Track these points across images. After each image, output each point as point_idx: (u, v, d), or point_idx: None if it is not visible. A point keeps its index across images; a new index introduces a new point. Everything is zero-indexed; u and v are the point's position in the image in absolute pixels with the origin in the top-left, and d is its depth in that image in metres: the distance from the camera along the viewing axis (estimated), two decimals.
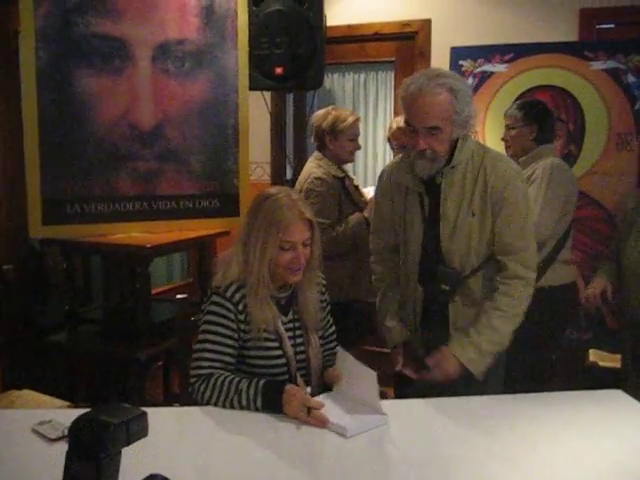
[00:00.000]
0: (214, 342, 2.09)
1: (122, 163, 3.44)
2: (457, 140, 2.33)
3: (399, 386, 2.84)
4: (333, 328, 2.38)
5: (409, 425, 2.00)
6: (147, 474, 1.34)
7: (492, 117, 3.95)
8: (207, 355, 2.09)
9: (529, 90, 3.96)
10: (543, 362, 3.13)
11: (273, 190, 2.18)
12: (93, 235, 3.39)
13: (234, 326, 2.11)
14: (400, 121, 3.52)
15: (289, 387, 2.00)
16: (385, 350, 2.82)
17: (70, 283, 3.58)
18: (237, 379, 2.04)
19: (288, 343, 2.17)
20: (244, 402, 2.00)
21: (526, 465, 1.75)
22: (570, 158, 3.91)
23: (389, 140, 3.62)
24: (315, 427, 1.91)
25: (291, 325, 2.22)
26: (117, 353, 3.31)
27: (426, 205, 2.39)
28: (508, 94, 3.89)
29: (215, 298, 2.12)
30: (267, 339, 2.13)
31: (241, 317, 2.11)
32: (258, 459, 1.75)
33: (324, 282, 2.31)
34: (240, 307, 2.11)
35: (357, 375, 2.10)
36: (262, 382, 2.01)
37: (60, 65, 3.26)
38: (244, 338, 2.13)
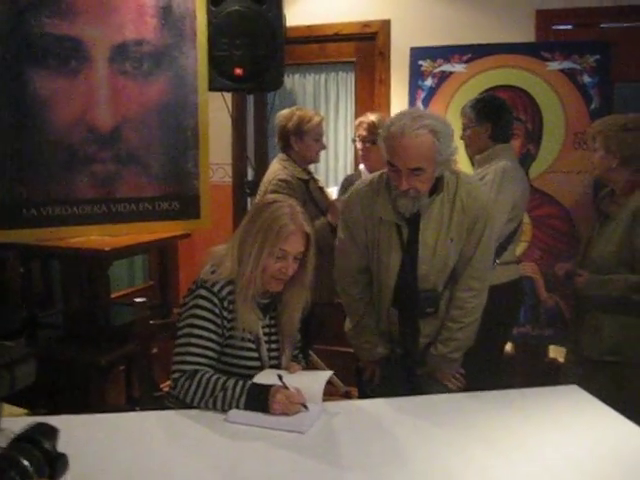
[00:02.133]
0: (200, 337, 2.08)
1: (80, 166, 3.39)
2: (437, 178, 2.37)
3: (362, 386, 2.86)
4: (299, 337, 2.40)
5: (370, 424, 2.01)
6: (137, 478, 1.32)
7: (452, 117, 3.96)
8: (192, 350, 2.07)
9: (488, 90, 3.99)
10: (494, 357, 3.18)
11: (278, 197, 2.20)
12: (51, 239, 3.34)
13: (219, 322, 2.10)
14: (369, 116, 3.54)
15: (275, 388, 2.00)
16: (349, 350, 2.84)
17: (28, 288, 3.52)
18: (223, 378, 2.03)
19: (265, 348, 2.19)
20: (228, 400, 1.99)
21: (484, 461, 1.77)
22: (528, 157, 3.95)
23: (356, 137, 3.61)
24: (270, 429, 1.92)
25: (267, 330, 2.23)
26: (77, 358, 3.27)
27: (404, 233, 2.42)
28: (467, 94, 3.91)
29: (202, 292, 2.11)
30: (246, 340, 2.14)
31: (225, 314, 2.11)
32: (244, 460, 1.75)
33: (309, 300, 2.29)
34: (226, 303, 2.11)
35: (312, 372, 2.21)
36: (249, 382, 2.02)
37: (13, 66, 3.20)
38: (225, 335, 2.13)
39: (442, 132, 2.25)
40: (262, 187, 3.42)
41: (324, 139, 3.51)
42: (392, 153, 2.27)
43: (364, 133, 3.51)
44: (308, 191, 3.41)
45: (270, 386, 2.00)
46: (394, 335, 2.60)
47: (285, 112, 3.47)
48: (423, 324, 2.54)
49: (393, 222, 2.42)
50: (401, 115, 2.30)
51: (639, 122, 2.78)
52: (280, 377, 2.03)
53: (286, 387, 2.00)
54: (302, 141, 3.38)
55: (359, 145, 3.56)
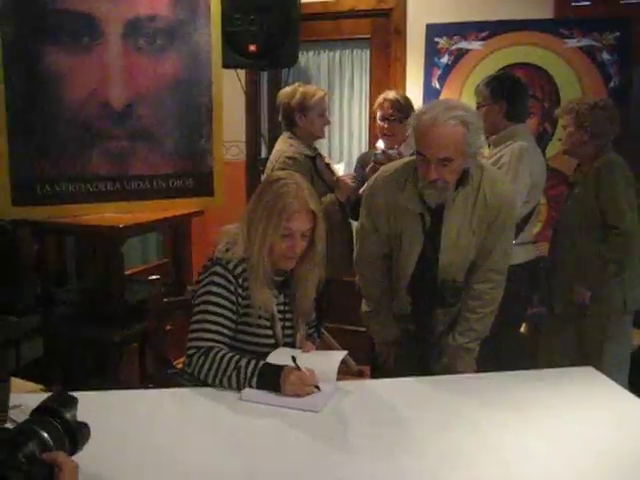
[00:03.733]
0: (215, 313, 2.09)
1: (94, 142, 3.39)
2: (464, 170, 2.36)
3: (377, 366, 2.87)
4: (314, 315, 2.40)
5: (383, 403, 2.01)
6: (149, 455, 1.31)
7: (467, 95, 3.94)
8: (208, 326, 2.08)
9: (505, 68, 3.95)
10: (509, 337, 3.18)
11: (283, 174, 2.19)
12: (65, 216, 3.35)
13: (234, 299, 2.11)
14: (390, 94, 3.53)
15: (287, 369, 2.00)
16: (362, 329, 2.86)
17: (43, 265, 3.54)
18: (237, 356, 2.04)
19: (279, 325, 2.19)
20: (241, 379, 2.00)
21: (497, 443, 1.77)
22: (545, 136, 3.93)
23: (378, 115, 3.59)
24: (285, 407, 1.92)
25: (282, 308, 2.23)
26: (92, 335, 3.29)
27: (427, 223, 2.43)
28: (484, 72, 3.87)
29: (217, 269, 2.12)
30: (261, 317, 2.15)
31: (240, 291, 2.12)
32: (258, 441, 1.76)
33: (323, 276, 2.29)
34: (240, 281, 2.12)
35: (326, 352, 2.22)
36: (261, 362, 2.02)
37: (27, 42, 3.19)
38: (240, 313, 2.14)
39: (473, 124, 2.26)
40: (269, 165, 3.43)
41: (335, 117, 3.50)
42: (422, 142, 2.27)
43: (390, 111, 3.51)
44: (315, 168, 3.42)
45: (283, 367, 2.00)
46: (408, 320, 2.63)
47: (287, 89, 3.46)
48: (439, 313, 2.58)
49: (417, 212, 2.43)
50: (434, 105, 2.31)
51: (608, 102, 3.14)
52: (293, 358, 2.03)
53: (299, 368, 2.00)
54: (306, 117, 3.38)
55: (383, 123, 3.54)
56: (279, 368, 2.00)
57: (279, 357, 2.09)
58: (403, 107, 3.49)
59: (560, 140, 3.31)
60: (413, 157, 2.46)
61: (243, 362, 2.02)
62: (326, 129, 3.56)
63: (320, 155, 3.54)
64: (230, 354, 2.05)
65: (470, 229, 2.42)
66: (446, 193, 2.34)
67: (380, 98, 3.59)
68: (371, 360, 3.19)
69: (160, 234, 4.73)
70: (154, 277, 2.63)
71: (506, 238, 2.49)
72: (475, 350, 2.59)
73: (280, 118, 3.48)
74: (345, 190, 3.40)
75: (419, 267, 2.49)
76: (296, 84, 3.49)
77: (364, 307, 2.73)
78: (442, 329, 2.63)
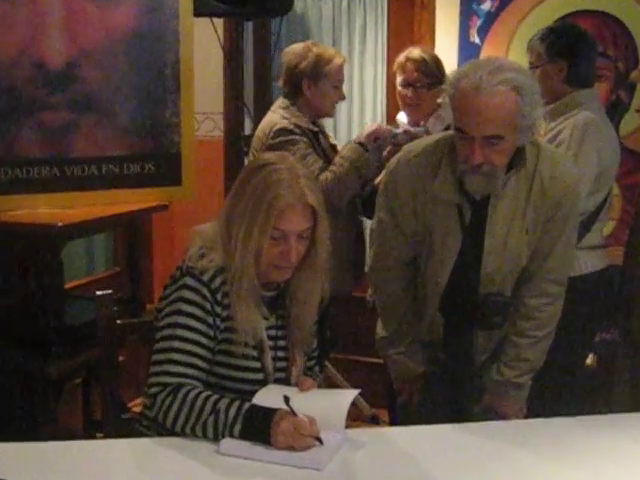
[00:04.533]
0: (185, 340, 2.08)
1: (24, 115, 3.38)
2: (517, 148, 2.36)
3: (397, 409, 2.88)
4: (315, 343, 2.40)
5: (404, 458, 2.00)
6: None
7: (516, 53, 3.94)
8: (176, 357, 2.07)
9: (565, 17, 3.96)
10: (570, 374, 3.18)
11: (272, 157, 2.18)
12: None
13: (210, 320, 2.11)
14: (414, 52, 3.53)
15: (279, 413, 1.99)
16: (377, 361, 2.86)
17: None
18: (215, 396, 2.03)
19: (270, 356, 2.20)
20: (220, 426, 1.99)
21: None
22: (619, 107, 3.93)
23: (399, 80, 3.60)
24: (280, 466, 1.91)
25: (273, 333, 2.23)
26: (20, 368, 3.28)
27: (467, 218, 2.44)
28: (539, 21, 3.87)
29: (188, 281, 2.11)
30: (246, 345, 2.14)
31: (219, 310, 2.12)
32: None
33: (327, 289, 2.29)
34: (219, 297, 2.12)
35: (331, 391, 2.23)
36: (246, 404, 2.02)
37: None
38: (218, 338, 2.14)
39: (528, 89, 2.25)
40: (255, 143, 3.45)
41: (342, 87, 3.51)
42: (462, 116, 2.27)
43: (415, 74, 3.50)
44: (318, 144, 3.43)
45: (273, 410, 2.00)
46: (438, 347, 2.63)
47: (298, 47, 3.47)
48: (480, 337, 2.58)
49: (454, 203, 2.43)
50: (475, 66, 2.30)
51: None
52: (286, 399, 2.03)
53: (293, 413, 2.00)
54: (317, 87, 3.40)
55: (406, 91, 3.55)
56: (269, 412, 1.99)
57: (269, 397, 2.08)
58: (431, 69, 3.49)
59: (639, 112, 3.31)
60: (448, 132, 2.47)
61: (222, 404, 2.01)
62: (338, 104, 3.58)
63: (324, 133, 3.56)
64: (206, 393, 2.04)
65: (523, 226, 2.42)
66: (495, 180, 2.35)
67: (401, 57, 3.59)
68: (389, 401, 3.20)
69: (111, 236, 4.73)
70: (103, 292, 2.61)
71: (568, 238, 2.49)
72: (527, 387, 2.58)
73: (281, 83, 3.50)
74: (373, 132, 3.41)
75: (455, 276, 2.49)
76: (309, 42, 3.52)
77: (380, 331, 2.74)
78: (484, 359, 2.63)
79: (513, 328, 2.55)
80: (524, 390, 2.57)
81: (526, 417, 2.58)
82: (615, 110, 3.86)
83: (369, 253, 2.69)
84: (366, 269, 2.73)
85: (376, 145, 3.43)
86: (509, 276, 2.49)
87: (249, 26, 4.28)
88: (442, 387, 2.68)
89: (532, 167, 2.41)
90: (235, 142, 4.04)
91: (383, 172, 3.14)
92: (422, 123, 3.52)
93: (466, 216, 2.43)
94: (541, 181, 2.40)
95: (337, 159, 3.34)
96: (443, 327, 2.58)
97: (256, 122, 4.05)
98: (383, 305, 2.69)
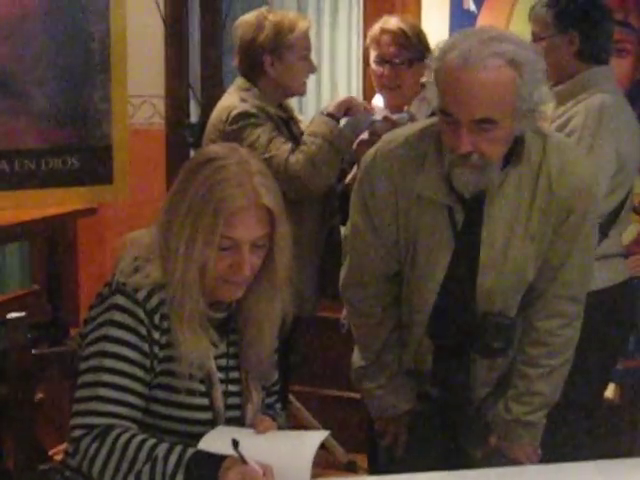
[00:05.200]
0: (116, 372, 2.06)
1: None
2: (517, 137, 2.37)
3: (378, 454, 2.90)
4: (276, 374, 2.40)
5: None
6: None
7: (520, 23, 3.98)
8: (104, 393, 2.05)
9: None
10: (588, 407, 3.20)
11: (220, 150, 2.18)
12: None
13: (146, 348, 2.09)
14: (391, 22, 3.53)
15: (228, 460, 1.98)
16: (354, 395, 2.88)
17: None
18: (151, 441, 2.01)
19: (220, 391, 2.20)
20: (158, 476, 1.97)
21: None
22: None
23: (374, 56, 3.60)
24: None
25: (224, 362, 2.23)
26: None
27: (459, 223, 2.45)
28: None
29: (120, 300, 2.09)
30: (191, 378, 2.13)
31: (157, 335, 2.10)
32: None
33: (290, 309, 2.29)
34: (156, 320, 2.10)
35: (295, 433, 2.21)
36: (190, 450, 2.01)
37: None
38: (156, 370, 2.13)
39: (529, 65, 2.26)
40: (209, 132, 3.44)
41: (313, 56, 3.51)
42: (448, 94, 2.28)
43: (392, 49, 3.49)
44: (289, 132, 3.43)
45: (221, 458, 1.99)
46: (427, 380, 2.65)
47: (250, 18, 3.45)
48: (480, 367, 2.58)
49: (443, 204, 2.44)
50: (465, 35, 2.31)
51: None
52: (235, 442, 2.03)
53: (244, 460, 2.01)
54: (282, 62, 3.38)
55: (381, 69, 3.55)
56: (216, 460, 1.99)
57: (218, 442, 2.08)
58: (412, 42, 3.47)
59: None
60: (434, 118, 2.48)
61: (161, 450, 2.00)
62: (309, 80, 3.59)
63: (294, 119, 3.57)
64: (140, 437, 2.03)
65: (526, 232, 2.43)
66: (487, 175, 2.34)
67: (375, 29, 3.56)
68: (368, 445, 3.21)
69: (27, 247, 4.72)
70: (17, 315, 2.61)
71: (584, 246, 2.49)
72: (541, 425, 2.59)
73: (237, 62, 3.49)
74: (344, 102, 3.44)
75: (445, 293, 2.49)
76: (262, 9, 3.50)
77: (357, 361, 2.72)
78: (485, 393, 2.64)
79: (522, 356, 2.55)
80: (537, 429, 2.58)
81: (541, 460, 2.58)
82: (637, 92, 3.89)
83: (343, 265, 2.68)
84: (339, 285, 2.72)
85: (351, 121, 3.44)
86: (512, 293, 2.49)
87: None
88: (434, 428, 2.69)
89: (537, 161, 2.41)
90: (179, 131, 4.04)
91: (353, 170, 3.16)
92: (405, 108, 3.51)
93: (458, 220, 2.44)
94: (548, 178, 2.40)
95: (306, 137, 3.32)
96: (433, 355, 2.58)
97: (204, 107, 4.07)
98: (360, 329, 2.68)
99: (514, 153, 2.39)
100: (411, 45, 3.45)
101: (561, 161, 2.42)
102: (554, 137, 2.51)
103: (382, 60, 3.52)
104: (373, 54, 3.55)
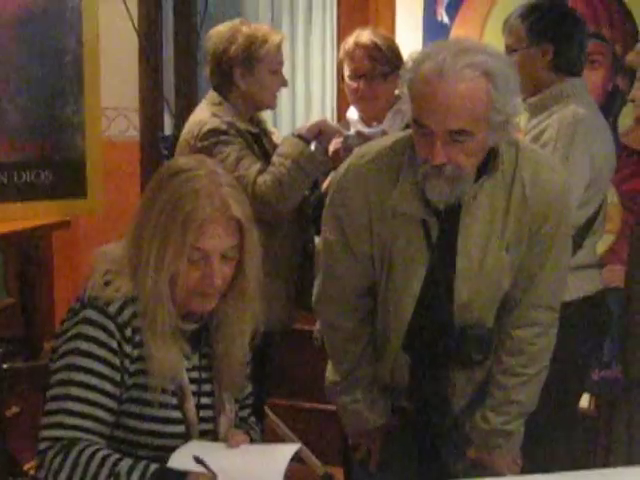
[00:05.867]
0: (85, 385, 2.06)
1: None
2: (491, 150, 2.38)
3: (352, 467, 2.89)
4: (249, 387, 2.40)
5: None
6: None
7: (493, 35, 3.98)
8: (72, 406, 2.05)
9: None
10: (563, 418, 3.20)
11: (188, 162, 2.18)
12: None
13: (117, 361, 2.09)
14: (364, 35, 3.52)
15: (195, 475, 1.98)
16: (330, 407, 2.87)
17: None
18: (115, 456, 2.00)
19: (192, 403, 2.19)
20: None
21: None
22: (617, 98, 3.96)
23: (346, 71, 3.60)
24: None
25: (196, 375, 2.24)
26: None
27: (434, 236, 2.44)
28: None
29: (91, 314, 2.10)
30: (163, 391, 2.13)
31: (128, 349, 2.10)
32: None
33: (261, 320, 2.30)
34: (128, 333, 2.10)
35: (268, 446, 2.21)
36: (153, 467, 2.00)
37: None
38: (127, 384, 2.12)
39: (502, 76, 2.27)
40: (180, 147, 3.43)
41: (284, 70, 3.51)
42: (422, 106, 2.28)
43: (365, 62, 3.49)
44: (261, 148, 3.42)
45: (184, 474, 1.98)
46: (403, 394, 2.65)
47: (223, 29, 3.44)
48: (458, 379, 2.58)
49: (417, 218, 2.44)
50: (438, 47, 2.31)
51: None
52: (197, 460, 2.02)
53: (213, 474, 1.99)
54: (253, 75, 3.37)
55: (355, 83, 3.54)
56: (180, 476, 1.99)
57: (189, 457, 2.07)
58: (386, 55, 3.47)
59: (633, 102, 3.32)
60: (408, 131, 2.47)
61: (124, 465, 1.99)
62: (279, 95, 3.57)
63: (267, 132, 3.56)
64: (104, 452, 2.02)
65: (502, 242, 2.43)
66: (461, 186, 2.35)
67: (349, 43, 3.55)
68: (344, 458, 3.21)
69: (0, 259, 4.69)
70: None
71: (558, 255, 2.51)
72: (519, 434, 2.61)
73: (208, 74, 3.49)
74: (316, 124, 3.42)
75: (422, 307, 2.49)
76: (236, 21, 3.49)
77: (331, 375, 2.72)
78: (463, 405, 2.64)
79: (499, 366, 2.57)
80: (516, 438, 2.60)
81: (522, 469, 2.60)
82: (612, 102, 3.89)
83: (316, 280, 2.67)
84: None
85: (320, 142, 3.43)
86: (489, 304, 2.50)
87: (169, 3, 4.28)
88: (409, 442, 2.69)
89: (510, 172, 2.42)
90: (153, 144, 4.03)
91: (329, 177, 3.15)
92: (374, 124, 3.49)
93: (433, 233, 2.44)
94: (522, 188, 2.41)
95: (275, 158, 3.30)
96: (409, 369, 2.58)
97: (178, 120, 4.06)
98: (333, 344, 2.68)
99: (488, 164, 2.39)
100: (385, 58, 3.44)
101: (534, 171, 2.43)
102: (527, 148, 2.52)
103: (357, 75, 3.50)
104: (347, 69, 3.54)
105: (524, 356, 2.54)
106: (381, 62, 3.44)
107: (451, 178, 2.31)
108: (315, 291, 2.67)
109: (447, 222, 2.42)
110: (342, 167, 2.59)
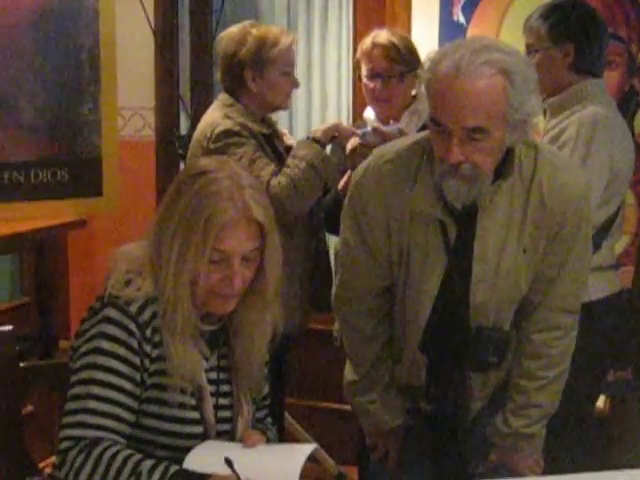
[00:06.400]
0: (106, 384, 2.06)
1: None
2: (508, 149, 2.36)
3: (368, 466, 2.88)
4: (267, 389, 2.40)
5: None
6: None
7: (511, 34, 3.98)
8: (94, 405, 2.05)
9: None
10: (579, 418, 3.19)
11: (210, 164, 2.18)
12: None
13: (137, 361, 2.09)
14: (382, 35, 3.51)
15: (217, 478, 1.97)
16: (344, 407, 2.86)
17: None
18: (137, 457, 2.01)
19: (211, 404, 2.19)
20: None
21: None
22: (633, 98, 3.96)
23: (364, 71, 3.59)
24: None
25: (214, 375, 2.23)
26: None
27: (452, 237, 2.44)
28: None
29: (112, 313, 2.09)
30: (182, 392, 2.13)
31: (148, 349, 2.10)
32: None
33: (280, 322, 2.29)
34: (148, 333, 2.10)
35: (284, 446, 2.21)
36: (173, 467, 2.00)
37: None
38: (147, 383, 2.12)
39: (520, 75, 2.26)
40: (193, 148, 3.41)
41: (296, 71, 3.50)
42: (439, 103, 2.27)
43: (383, 62, 3.48)
44: (273, 148, 3.42)
45: (204, 477, 1.98)
46: (420, 395, 2.64)
47: (234, 32, 3.43)
48: (474, 381, 2.58)
49: (435, 219, 2.43)
50: (456, 45, 2.30)
51: None
52: (229, 462, 2.01)
53: (238, 477, 1.99)
54: (264, 77, 3.37)
55: (373, 83, 3.54)
56: (202, 477, 1.98)
57: (206, 456, 2.07)
58: (404, 56, 3.46)
59: None
60: (427, 132, 2.45)
61: (146, 465, 1.99)
62: (292, 95, 3.57)
63: (278, 133, 3.55)
64: (126, 452, 2.02)
65: (519, 245, 2.42)
66: (478, 186, 2.34)
67: (366, 43, 3.55)
68: (359, 458, 3.20)
69: (16, 259, 4.70)
70: (5, 328, 2.60)
71: (578, 258, 2.49)
72: (541, 437, 2.60)
73: (220, 76, 3.49)
74: (331, 128, 3.41)
75: (439, 308, 2.49)
76: (246, 23, 3.47)
77: (349, 375, 2.71)
78: (479, 407, 2.63)
79: (518, 369, 2.56)
80: (538, 440, 2.59)
81: (544, 472, 2.59)
82: (629, 103, 3.89)
83: (335, 280, 2.68)
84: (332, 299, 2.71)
85: (336, 144, 3.44)
86: (506, 306, 2.49)
87: (184, 3, 4.28)
88: (426, 443, 2.68)
89: (529, 174, 2.40)
90: (169, 143, 4.03)
91: (346, 176, 3.14)
92: (391, 122, 3.48)
93: (450, 235, 2.43)
94: (540, 191, 2.40)
95: (290, 160, 3.29)
96: (426, 370, 2.57)
97: (194, 119, 4.06)
98: (352, 344, 2.67)
99: (505, 166, 2.37)
100: (402, 58, 3.43)
101: (553, 174, 2.42)
102: (546, 149, 2.50)
103: (374, 74, 3.49)
104: (365, 68, 3.53)
105: (544, 360, 2.53)
106: (398, 62, 3.42)
107: (468, 177, 2.30)
108: (334, 290, 2.68)
109: (464, 224, 2.41)
110: (361, 167, 2.58)
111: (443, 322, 2.50)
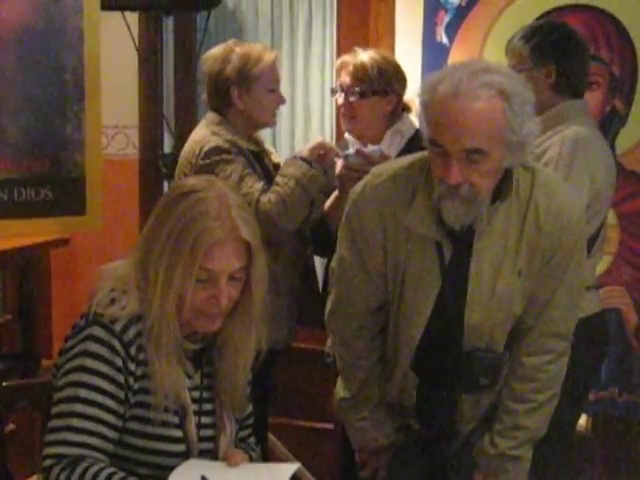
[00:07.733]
0: (89, 402, 2.05)
1: None
2: (506, 171, 2.37)
3: None
4: (250, 407, 2.39)
5: None
6: None
7: (493, 54, 3.99)
8: (77, 423, 2.04)
9: (551, 12, 4.00)
10: (561, 438, 3.18)
11: (198, 183, 2.18)
12: None
13: (121, 379, 2.08)
14: (358, 55, 3.51)
15: None
16: (328, 426, 2.86)
17: None
18: (120, 474, 1.99)
19: (193, 422, 2.18)
20: None
21: None
22: (615, 119, 3.96)
23: (336, 87, 3.60)
24: None
25: (197, 394, 2.23)
26: None
27: (447, 258, 2.45)
28: (518, 18, 3.91)
29: (96, 332, 2.09)
30: (166, 410, 2.12)
31: (132, 367, 2.10)
32: None
33: (264, 341, 2.29)
34: (133, 351, 2.09)
35: (267, 465, 2.23)
36: None
37: None
38: (131, 401, 2.11)
39: (518, 96, 2.27)
40: (182, 166, 3.41)
41: (280, 88, 3.51)
42: (438, 126, 2.28)
43: (347, 80, 3.49)
44: (262, 166, 3.42)
45: None
46: (410, 413, 2.64)
47: (217, 51, 3.44)
48: (465, 402, 2.57)
49: (431, 239, 2.44)
50: (455, 68, 2.32)
51: None
52: (203, 479, 2.03)
53: None
54: (250, 94, 3.38)
55: (340, 99, 3.55)
56: None
57: (189, 475, 2.07)
58: (370, 75, 3.40)
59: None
60: (425, 152, 2.46)
61: None
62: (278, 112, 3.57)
63: (266, 151, 3.56)
64: (109, 470, 2.02)
65: (514, 267, 2.43)
66: (476, 208, 2.34)
67: (339, 61, 3.58)
68: (343, 477, 3.19)
69: None
70: None
71: (571, 282, 2.50)
72: (527, 459, 2.60)
73: (206, 96, 3.49)
74: (317, 146, 3.39)
75: (432, 328, 2.49)
76: (230, 42, 3.49)
77: (340, 392, 2.72)
78: (470, 428, 2.63)
79: (508, 392, 2.55)
80: (524, 462, 2.58)
81: None
82: (610, 123, 3.91)
83: (329, 296, 2.67)
84: (325, 316, 2.69)
85: (322, 162, 3.44)
86: (499, 328, 2.49)
87: (169, 22, 4.29)
88: (416, 461, 2.66)
89: (526, 196, 2.41)
90: (152, 162, 4.02)
91: (332, 196, 3.15)
92: (368, 145, 3.47)
93: (446, 255, 2.44)
94: (536, 215, 2.41)
95: (279, 178, 3.29)
96: (417, 390, 2.58)
97: (177, 138, 4.06)
98: (344, 360, 2.67)
99: (503, 188, 2.38)
100: (368, 78, 3.40)
101: (549, 198, 2.42)
102: (542, 173, 2.51)
103: (339, 89, 3.50)
104: (336, 85, 3.57)
105: (534, 383, 2.53)
106: (362, 81, 3.38)
107: (467, 199, 2.31)
108: (328, 307, 2.67)
109: (460, 245, 2.42)
110: (359, 186, 2.58)
111: (436, 342, 2.50)
